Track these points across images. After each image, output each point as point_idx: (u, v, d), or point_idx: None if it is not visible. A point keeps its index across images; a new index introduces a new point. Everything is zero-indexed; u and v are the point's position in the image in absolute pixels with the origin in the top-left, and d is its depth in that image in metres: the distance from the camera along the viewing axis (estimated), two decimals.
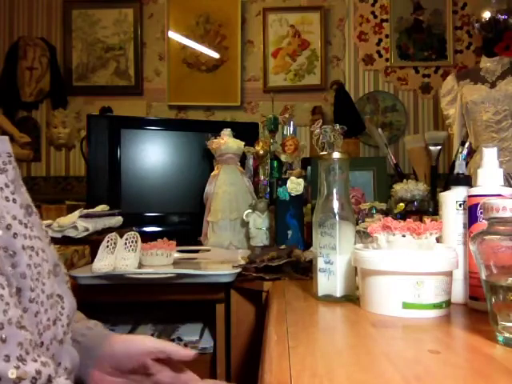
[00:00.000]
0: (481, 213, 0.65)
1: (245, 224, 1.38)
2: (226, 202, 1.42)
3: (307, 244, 1.17)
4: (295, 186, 1.22)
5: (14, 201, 0.46)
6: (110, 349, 0.61)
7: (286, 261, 1.00)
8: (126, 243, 1.06)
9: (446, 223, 0.74)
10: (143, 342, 0.63)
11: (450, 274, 0.66)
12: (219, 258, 1.25)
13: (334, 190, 0.76)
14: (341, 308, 0.71)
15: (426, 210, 1.21)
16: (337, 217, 0.74)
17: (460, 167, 0.78)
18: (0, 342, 0.37)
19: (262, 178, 1.51)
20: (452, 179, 0.76)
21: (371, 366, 0.45)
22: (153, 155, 1.59)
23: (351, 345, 0.53)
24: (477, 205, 0.67)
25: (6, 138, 0.49)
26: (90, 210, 1.25)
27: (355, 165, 1.30)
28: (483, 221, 0.60)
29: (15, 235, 0.43)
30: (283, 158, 1.37)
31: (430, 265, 0.63)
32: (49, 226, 1.17)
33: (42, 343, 0.44)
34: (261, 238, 1.33)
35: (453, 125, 2.25)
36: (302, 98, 2.94)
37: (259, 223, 1.32)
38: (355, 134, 2.50)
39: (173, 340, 1.06)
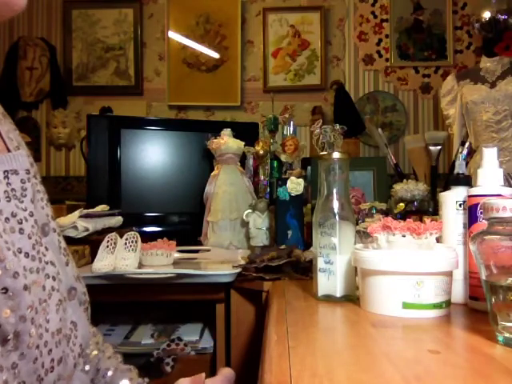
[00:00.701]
0: (481, 213, 0.65)
1: (245, 224, 1.38)
2: (226, 201, 1.43)
3: (307, 244, 1.17)
4: (295, 185, 1.22)
5: (21, 231, 0.42)
6: None
7: (286, 261, 1.00)
8: (125, 243, 1.06)
9: (446, 223, 0.74)
10: None
11: (450, 274, 0.66)
12: (219, 258, 1.25)
13: (334, 190, 0.76)
14: (341, 308, 0.71)
15: (426, 210, 1.21)
16: (337, 217, 0.74)
17: (460, 167, 0.78)
18: None
19: (261, 178, 1.51)
20: (452, 179, 0.76)
21: (371, 366, 0.45)
22: (153, 155, 1.59)
23: (351, 345, 0.53)
24: (477, 205, 0.67)
25: (23, 152, 0.46)
26: (90, 210, 1.25)
27: (355, 165, 1.30)
28: (483, 221, 0.60)
29: (16, 275, 0.39)
30: (283, 158, 1.37)
31: (429, 265, 0.63)
32: None
33: None
34: (261, 238, 1.33)
35: (453, 125, 2.25)
36: (302, 97, 2.94)
37: (259, 223, 1.32)
38: (355, 134, 2.50)
39: (173, 340, 1.06)
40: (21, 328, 0.38)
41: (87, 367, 0.55)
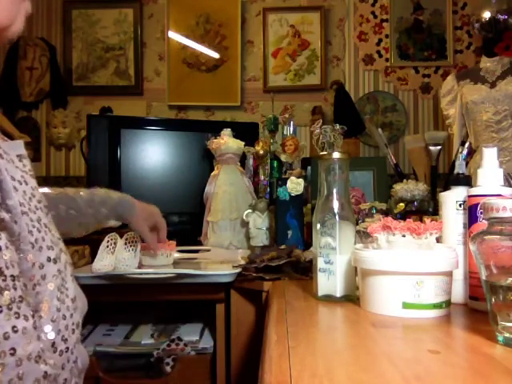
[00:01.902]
0: (481, 213, 0.66)
1: (245, 224, 1.38)
2: (226, 201, 1.42)
3: (307, 244, 1.17)
4: (295, 185, 1.22)
5: (42, 209, 0.48)
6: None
7: (286, 261, 1.00)
8: (126, 243, 1.06)
9: (446, 223, 0.74)
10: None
11: (450, 274, 0.66)
12: (219, 258, 1.25)
13: (334, 190, 0.76)
14: (341, 308, 0.71)
15: (426, 210, 1.21)
16: (337, 217, 0.74)
17: (460, 167, 0.78)
18: (16, 379, 0.37)
19: (261, 177, 1.51)
20: (452, 179, 0.76)
21: (371, 366, 0.45)
22: (153, 155, 1.59)
23: (351, 345, 0.53)
24: (477, 205, 0.67)
25: (21, 142, 0.51)
26: None
27: (355, 165, 1.30)
28: (483, 221, 0.60)
29: (41, 248, 0.44)
30: (283, 158, 1.37)
31: (430, 265, 0.63)
32: None
33: (68, 348, 0.45)
34: (261, 238, 1.33)
35: (453, 125, 2.25)
36: (302, 97, 2.94)
37: (259, 223, 1.32)
38: (355, 134, 2.50)
39: (173, 340, 1.06)
40: (48, 294, 0.44)
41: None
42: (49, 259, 0.45)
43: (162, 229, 1.07)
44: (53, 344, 0.43)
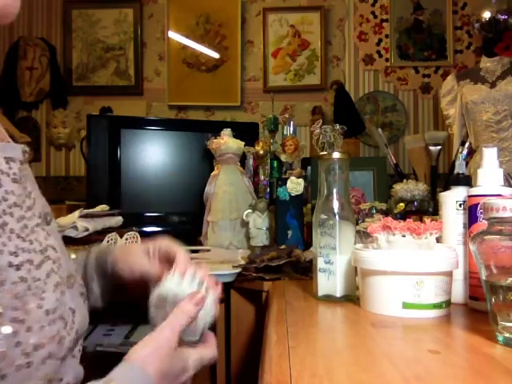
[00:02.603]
0: (481, 213, 0.66)
1: (245, 224, 1.38)
2: (226, 202, 1.42)
3: (307, 244, 1.17)
4: (295, 185, 1.22)
5: (12, 214, 0.45)
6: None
7: (286, 261, 1.00)
8: (126, 243, 1.06)
9: (446, 223, 0.74)
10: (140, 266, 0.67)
11: (450, 274, 0.66)
12: (219, 258, 1.25)
13: (334, 190, 0.76)
14: (341, 308, 0.71)
15: (426, 210, 1.21)
16: (337, 217, 0.74)
17: (460, 167, 0.78)
18: None
19: (261, 177, 1.51)
20: (452, 179, 0.77)
21: (371, 366, 0.45)
22: (153, 155, 1.59)
23: (351, 345, 0.53)
24: (477, 205, 0.67)
25: (19, 146, 0.49)
26: (90, 210, 1.25)
27: (355, 165, 1.30)
28: (483, 221, 0.60)
29: (1, 252, 0.42)
30: (283, 158, 1.37)
31: (430, 265, 0.63)
32: None
33: (29, 363, 0.41)
34: (261, 238, 1.32)
35: (453, 125, 2.25)
36: (302, 97, 2.94)
37: (259, 223, 1.32)
38: (355, 134, 2.50)
39: None
40: (6, 302, 0.40)
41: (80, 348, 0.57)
42: (10, 264, 0.42)
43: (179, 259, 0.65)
44: None
